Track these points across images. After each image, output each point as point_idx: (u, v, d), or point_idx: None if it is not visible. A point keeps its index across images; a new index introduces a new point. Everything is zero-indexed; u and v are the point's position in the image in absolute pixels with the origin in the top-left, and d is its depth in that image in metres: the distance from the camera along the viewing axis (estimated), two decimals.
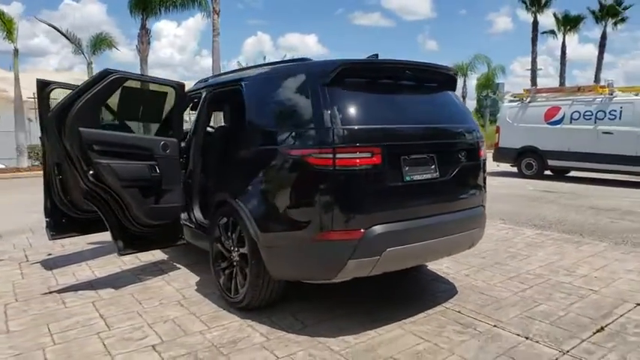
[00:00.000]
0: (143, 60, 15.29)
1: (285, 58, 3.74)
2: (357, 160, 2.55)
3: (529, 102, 11.59)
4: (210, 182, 3.75)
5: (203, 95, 3.96)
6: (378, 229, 2.60)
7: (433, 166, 2.84)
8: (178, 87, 3.73)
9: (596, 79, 27.53)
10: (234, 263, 3.21)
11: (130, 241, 3.62)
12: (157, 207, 3.65)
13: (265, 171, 2.89)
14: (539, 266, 4.17)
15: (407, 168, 2.72)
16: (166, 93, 3.73)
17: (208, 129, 4.36)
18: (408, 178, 2.72)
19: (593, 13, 28.98)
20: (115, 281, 3.83)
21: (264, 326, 2.93)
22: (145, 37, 15.28)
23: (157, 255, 4.53)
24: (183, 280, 3.84)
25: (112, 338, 2.80)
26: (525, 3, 30.95)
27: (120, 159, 3.37)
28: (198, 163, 3.89)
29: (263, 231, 2.82)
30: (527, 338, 2.75)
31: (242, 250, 3.09)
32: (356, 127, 2.59)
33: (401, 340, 2.75)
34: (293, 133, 2.74)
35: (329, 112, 2.61)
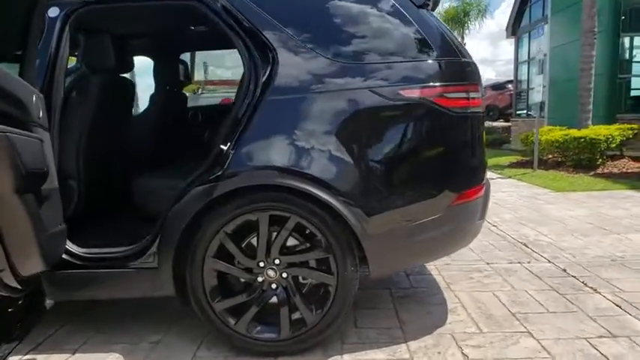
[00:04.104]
0: None
1: None
2: (480, 100, 2.15)
3: (201, 93, 11.82)
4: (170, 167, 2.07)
5: (56, 15, 2.05)
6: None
7: None
8: None
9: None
10: (274, 286, 1.99)
11: None
12: (53, 233, 1.75)
13: (351, 124, 1.93)
14: None
15: None
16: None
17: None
18: None
19: None
20: None
21: (372, 351, 2.01)
22: None
23: None
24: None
25: None
26: None
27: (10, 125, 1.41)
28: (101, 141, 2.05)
29: (372, 214, 1.91)
30: (520, 263, 3.16)
31: (303, 258, 2.00)
32: (467, 60, 2.15)
33: (482, 296, 2.57)
34: (396, 68, 1.97)
35: (445, 39, 2.06)
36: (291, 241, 2.06)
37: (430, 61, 2.01)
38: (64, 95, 2.17)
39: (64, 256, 2.00)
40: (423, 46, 2.01)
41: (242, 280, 2.05)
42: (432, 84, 1.97)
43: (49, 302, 2.07)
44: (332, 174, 1.90)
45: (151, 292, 2.05)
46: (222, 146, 1.93)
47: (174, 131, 3.17)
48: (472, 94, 2.05)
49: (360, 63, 1.97)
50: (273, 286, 2.00)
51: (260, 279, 2.00)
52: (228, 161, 1.91)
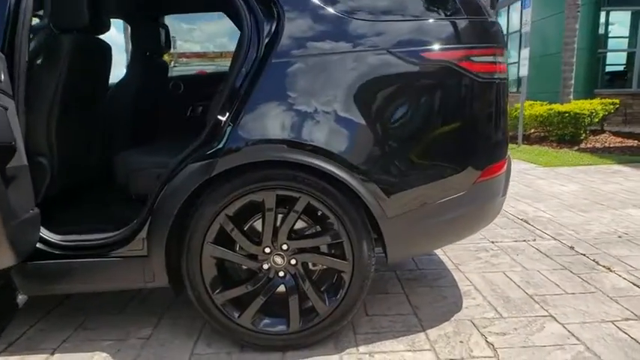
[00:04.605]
0: None
1: None
2: (505, 66, 1.94)
3: (174, 66, 11.32)
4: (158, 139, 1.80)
5: None
6: None
7: None
8: None
9: None
10: (281, 274, 1.78)
11: None
12: (24, 219, 1.49)
13: (367, 91, 1.69)
14: None
15: None
16: None
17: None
18: None
19: None
20: None
21: (389, 342, 1.84)
22: None
23: None
24: None
25: None
26: None
27: None
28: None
29: (391, 192, 1.71)
30: (525, 241, 3.04)
31: (315, 243, 1.79)
32: (493, 20, 1.93)
33: (494, 277, 2.42)
34: (417, 27, 1.74)
35: None
36: (299, 224, 1.85)
37: (455, 21, 1.78)
38: (29, 58, 1.85)
39: (38, 244, 1.74)
40: (448, 3, 1.79)
41: (245, 268, 1.83)
42: (456, 45, 1.75)
43: (21, 298, 1.80)
44: (347, 148, 1.68)
45: (141, 283, 1.81)
46: (220, 117, 1.68)
47: (157, 101, 2.87)
48: (499, 58, 1.85)
49: (378, 21, 1.73)
50: (281, 274, 1.79)
51: (266, 266, 1.79)
52: (228, 134, 1.67)
